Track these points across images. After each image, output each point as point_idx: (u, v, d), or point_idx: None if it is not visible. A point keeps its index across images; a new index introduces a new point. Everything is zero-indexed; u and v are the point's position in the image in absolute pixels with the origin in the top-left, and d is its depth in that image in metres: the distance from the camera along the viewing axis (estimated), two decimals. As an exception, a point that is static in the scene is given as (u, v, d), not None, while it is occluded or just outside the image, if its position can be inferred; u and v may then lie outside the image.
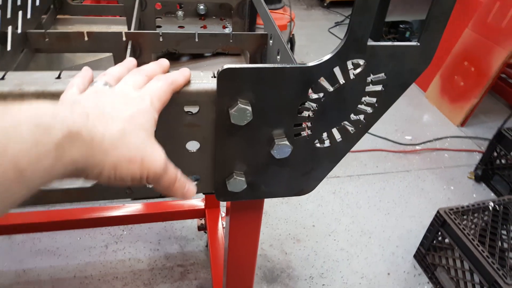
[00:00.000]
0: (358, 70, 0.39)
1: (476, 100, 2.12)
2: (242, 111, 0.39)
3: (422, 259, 1.44)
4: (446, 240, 1.32)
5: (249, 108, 0.39)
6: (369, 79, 0.41)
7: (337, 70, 0.39)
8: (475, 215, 1.34)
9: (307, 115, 0.42)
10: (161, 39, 0.58)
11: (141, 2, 0.69)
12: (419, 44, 0.39)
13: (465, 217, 1.32)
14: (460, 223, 1.27)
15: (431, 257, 1.40)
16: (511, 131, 1.66)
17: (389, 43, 0.38)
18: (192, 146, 0.43)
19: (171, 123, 0.40)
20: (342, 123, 0.44)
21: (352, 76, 0.40)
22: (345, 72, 0.39)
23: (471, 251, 1.20)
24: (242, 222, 0.53)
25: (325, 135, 0.45)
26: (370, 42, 0.38)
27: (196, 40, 0.59)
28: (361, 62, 0.39)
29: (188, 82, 0.38)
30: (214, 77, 0.40)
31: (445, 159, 2.01)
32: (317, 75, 0.39)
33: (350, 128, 0.44)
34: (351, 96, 0.41)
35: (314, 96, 0.41)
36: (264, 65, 0.37)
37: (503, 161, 1.71)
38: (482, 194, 1.80)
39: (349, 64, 0.39)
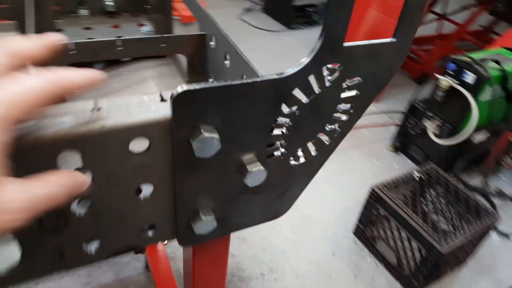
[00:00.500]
0: (335, 75, 0.34)
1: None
2: (208, 141, 0.31)
3: (361, 234, 1.51)
4: (382, 213, 1.39)
5: (216, 135, 0.31)
6: (344, 84, 0.36)
7: (311, 78, 0.34)
8: (404, 186, 1.44)
9: (280, 133, 0.36)
10: (71, 52, 0.45)
11: (35, 1, 0.55)
12: (395, 39, 0.35)
13: (395, 189, 1.41)
14: (392, 196, 1.35)
15: (370, 231, 1.47)
16: (421, 103, 1.82)
17: (366, 42, 0.34)
18: (145, 190, 0.34)
19: (113, 167, 0.30)
20: (317, 136, 0.38)
21: (327, 84, 0.34)
22: (320, 79, 0.34)
23: (406, 220, 1.28)
24: (208, 261, 0.45)
25: (299, 150, 0.39)
26: (347, 43, 0.33)
27: (120, 48, 0.48)
28: (337, 66, 0.34)
29: (89, 85, 0.26)
30: (164, 100, 0.31)
31: (366, 136, 2.13)
32: (291, 86, 0.33)
33: (326, 140, 0.39)
34: (326, 105, 0.36)
35: (287, 110, 0.34)
36: (231, 82, 0.29)
37: (416, 131, 1.86)
38: (402, 164, 1.96)
39: (324, 70, 0.34)
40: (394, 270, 1.39)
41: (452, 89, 1.58)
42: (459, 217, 1.35)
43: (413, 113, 1.85)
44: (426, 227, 1.24)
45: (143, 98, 0.32)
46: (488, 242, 1.55)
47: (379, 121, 2.24)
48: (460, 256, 1.38)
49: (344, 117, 0.38)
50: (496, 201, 1.74)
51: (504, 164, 1.88)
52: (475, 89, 1.52)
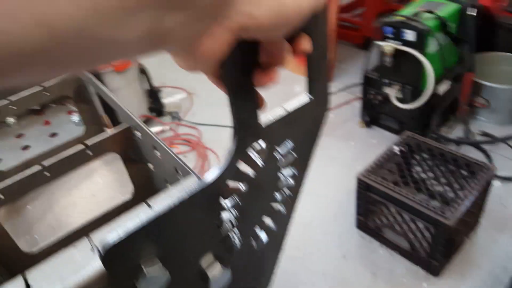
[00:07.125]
0: (264, 155, 0.34)
1: (329, 54, 2.32)
2: (154, 279, 0.30)
3: (365, 226, 1.53)
4: (377, 200, 1.41)
5: (161, 270, 0.30)
6: (277, 154, 0.36)
7: (241, 165, 0.34)
8: (388, 164, 1.47)
9: (230, 225, 0.36)
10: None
11: None
12: (312, 98, 0.36)
13: (380, 170, 1.44)
14: (379, 179, 1.37)
15: (372, 221, 1.50)
16: (374, 72, 1.87)
17: (282, 111, 0.34)
18: None
19: None
20: (269, 209, 0.39)
21: (260, 163, 0.34)
22: (250, 162, 0.34)
23: (403, 202, 1.29)
24: None
25: (257, 230, 0.39)
26: (263, 119, 0.33)
27: (48, 174, 0.46)
28: (263, 144, 0.34)
29: None
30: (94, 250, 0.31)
31: (334, 119, 2.16)
32: (222, 183, 0.33)
33: (280, 209, 0.40)
34: (268, 180, 0.36)
35: (229, 204, 0.34)
36: (157, 212, 0.29)
37: (380, 100, 1.91)
38: (379, 136, 2.01)
39: (252, 153, 0.34)
40: (410, 255, 1.41)
41: (397, 51, 1.64)
42: (454, 180, 1.39)
43: (370, 83, 1.89)
44: (426, 203, 1.26)
45: (72, 254, 0.30)
46: (493, 193, 1.53)
47: (341, 100, 2.29)
48: (470, 220, 1.41)
49: (291, 181, 0.39)
50: (486, 147, 1.81)
51: (477, 105, 1.96)
52: (419, 44, 1.58)
